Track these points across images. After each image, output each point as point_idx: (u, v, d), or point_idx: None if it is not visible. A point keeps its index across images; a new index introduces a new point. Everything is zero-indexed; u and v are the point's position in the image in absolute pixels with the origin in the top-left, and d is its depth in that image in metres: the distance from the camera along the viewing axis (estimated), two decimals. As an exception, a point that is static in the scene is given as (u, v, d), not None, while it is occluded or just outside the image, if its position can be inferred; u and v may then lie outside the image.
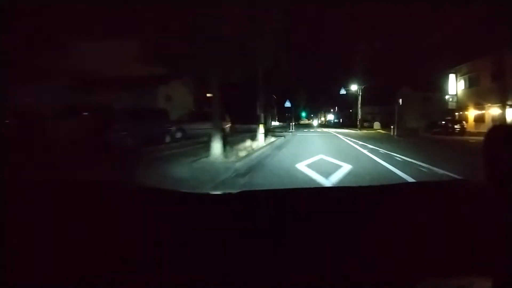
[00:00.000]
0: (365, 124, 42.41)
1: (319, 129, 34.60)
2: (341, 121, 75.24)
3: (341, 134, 21.65)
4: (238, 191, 0.97)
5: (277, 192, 1.09)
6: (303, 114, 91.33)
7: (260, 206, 0.89)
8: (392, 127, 21.15)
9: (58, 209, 0.79)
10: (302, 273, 0.68)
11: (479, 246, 0.70)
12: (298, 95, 37.58)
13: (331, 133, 24.84)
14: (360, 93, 33.94)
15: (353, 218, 0.83)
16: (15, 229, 0.72)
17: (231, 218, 0.82)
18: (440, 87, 36.49)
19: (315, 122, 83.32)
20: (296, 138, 17.10)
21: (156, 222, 0.78)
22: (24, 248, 0.69)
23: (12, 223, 0.73)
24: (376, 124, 37.11)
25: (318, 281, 0.66)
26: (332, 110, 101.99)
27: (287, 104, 22.18)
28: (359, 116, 34.32)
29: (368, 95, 39.60)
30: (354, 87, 34.81)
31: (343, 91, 36.13)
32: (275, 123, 41.23)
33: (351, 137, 18.03)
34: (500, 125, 0.91)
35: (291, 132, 23.81)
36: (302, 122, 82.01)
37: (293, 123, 34.47)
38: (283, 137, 16.36)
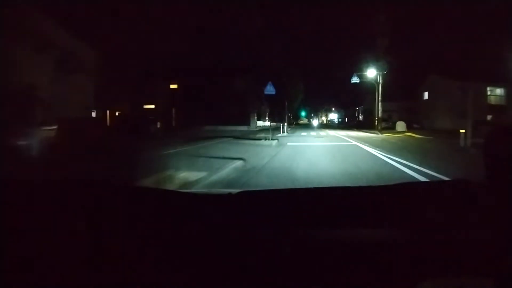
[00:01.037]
0: (383, 124, 32.73)
1: (322, 132, 24.49)
2: (346, 120, 65.53)
3: (366, 144, 11.67)
4: (238, 191, 0.95)
5: (277, 192, 1.08)
6: (303, 113, 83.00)
7: (260, 206, 0.89)
8: (463, 131, 11.17)
9: (56, 209, 0.79)
10: (302, 272, 0.68)
11: (479, 246, 0.70)
12: (293, 85, 27.56)
13: (343, 139, 14.85)
14: (381, 81, 23.90)
15: (353, 218, 0.82)
16: (12, 230, 0.73)
17: (231, 218, 0.83)
18: (486, 73, 26.67)
19: (315, 122, 75.75)
20: (273, 165, 6.89)
21: (156, 222, 0.79)
22: (22, 249, 0.70)
23: (9, 223, 0.74)
24: (400, 125, 26.87)
25: (319, 281, 0.66)
26: (333, 108, 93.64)
27: (269, 90, 12.19)
28: (379, 114, 24.30)
29: (382, 89, 29.96)
30: (371, 73, 24.76)
31: (355, 79, 26.09)
32: (263, 123, 30.96)
33: (399, 155, 7.97)
34: (501, 125, 0.81)
35: (276, 139, 13.72)
36: (301, 122, 74.79)
37: (286, 124, 24.51)
38: (239, 162, 6.36)
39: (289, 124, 40.28)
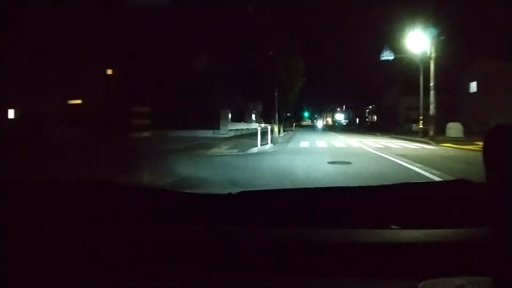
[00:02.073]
0: (413, 126, 23.11)
1: (336, 141, 14.88)
2: (357, 121, 55.58)
3: None
4: (238, 190, 0.96)
5: (277, 192, 1.08)
6: (305, 113, 74.33)
7: (260, 206, 0.89)
8: None
9: (55, 209, 0.81)
10: (302, 272, 0.68)
11: (479, 246, 0.71)
12: (288, 64, 17.87)
13: (418, 173, 5.35)
14: (434, 54, 14.12)
15: (354, 218, 0.83)
16: (10, 230, 0.74)
17: (231, 217, 0.84)
18: None
19: (320, 124, 66.92)
20: None
21: (155, 222, 0.80)
22: (19, 248, 0.71)
23: (7, 224, 0.76)
24: (454, 129, 16.63)
25: (319, 281, 0.67)
26: (339, 109, 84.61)
27: None
28: (432, 111, 14.57)
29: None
30: (417, 42, 15.04)
31: (387, 55, 16.43)
32: (248, 126, 21.18)
33: None
34: (502, 124, 0.79)
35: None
36: (304, 123, 66.90)
37: (277, 126, 14.88)
38: None
39: (289, 126, 30.55)
